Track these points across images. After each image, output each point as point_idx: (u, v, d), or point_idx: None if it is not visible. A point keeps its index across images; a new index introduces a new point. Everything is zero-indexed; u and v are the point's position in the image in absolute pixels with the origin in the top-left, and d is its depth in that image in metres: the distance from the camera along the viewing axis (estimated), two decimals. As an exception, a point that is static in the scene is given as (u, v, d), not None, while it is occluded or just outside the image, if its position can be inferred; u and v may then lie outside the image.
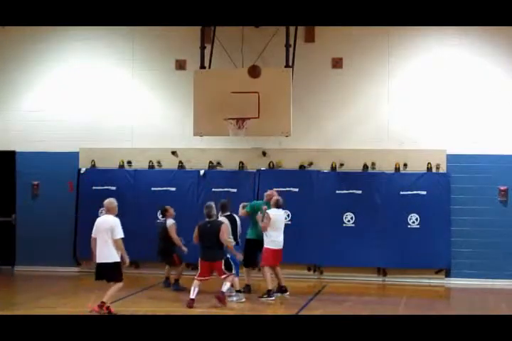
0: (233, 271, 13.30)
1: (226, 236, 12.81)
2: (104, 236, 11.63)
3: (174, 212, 14.63)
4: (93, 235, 11.85)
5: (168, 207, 14.72)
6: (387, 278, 15.89)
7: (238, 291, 13.35)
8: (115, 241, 11.62)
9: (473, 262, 15.56)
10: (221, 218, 13.43)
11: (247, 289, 13.94)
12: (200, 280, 12.66)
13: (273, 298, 13.45)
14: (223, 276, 12.70)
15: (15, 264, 17.03)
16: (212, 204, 13.05)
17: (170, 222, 14.42)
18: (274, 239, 13.44)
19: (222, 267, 12.74)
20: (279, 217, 13.54)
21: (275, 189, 14.34)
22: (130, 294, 13.60)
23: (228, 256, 13.23)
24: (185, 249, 14.23)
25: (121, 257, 11.72)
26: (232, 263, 13.40)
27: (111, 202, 12.00)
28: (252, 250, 13.93)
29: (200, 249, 12.82)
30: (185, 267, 14.59)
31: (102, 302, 11.53)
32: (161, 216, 15.14)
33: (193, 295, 12.49)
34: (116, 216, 11.96)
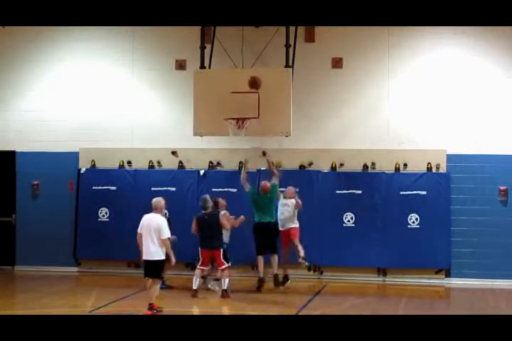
0: (229, 263, 13.81)
1: (226, 221, 13.82)
2: (151, 234, 11.91)
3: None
4: (139, 231, 12.11)
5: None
6: (387, 278, 15.88)
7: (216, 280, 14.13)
8: (163, 241, 11.90)
9: (473, 262, 15.55)
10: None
11: (261, 282, 14.06)
12: (202, 269, 13.64)
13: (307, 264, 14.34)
14: (222, 267, 13.50)
15: (15, 264, 17.03)
16: (208, 196, 13.97)
17: None
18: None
19: (221, 256, 13.53)
20: None
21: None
22: (130, 294, 13.63)
23: (225, 246, 13.95)
24: None
25: (168, 256, 12.03)
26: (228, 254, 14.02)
27: (159, 200, 12.30)
28: (269, 234, 14.26)
29: (200, 239, 13.75)
30: None
31: (150, 304, 11.86)
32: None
33: (195, 286, 13.52)
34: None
